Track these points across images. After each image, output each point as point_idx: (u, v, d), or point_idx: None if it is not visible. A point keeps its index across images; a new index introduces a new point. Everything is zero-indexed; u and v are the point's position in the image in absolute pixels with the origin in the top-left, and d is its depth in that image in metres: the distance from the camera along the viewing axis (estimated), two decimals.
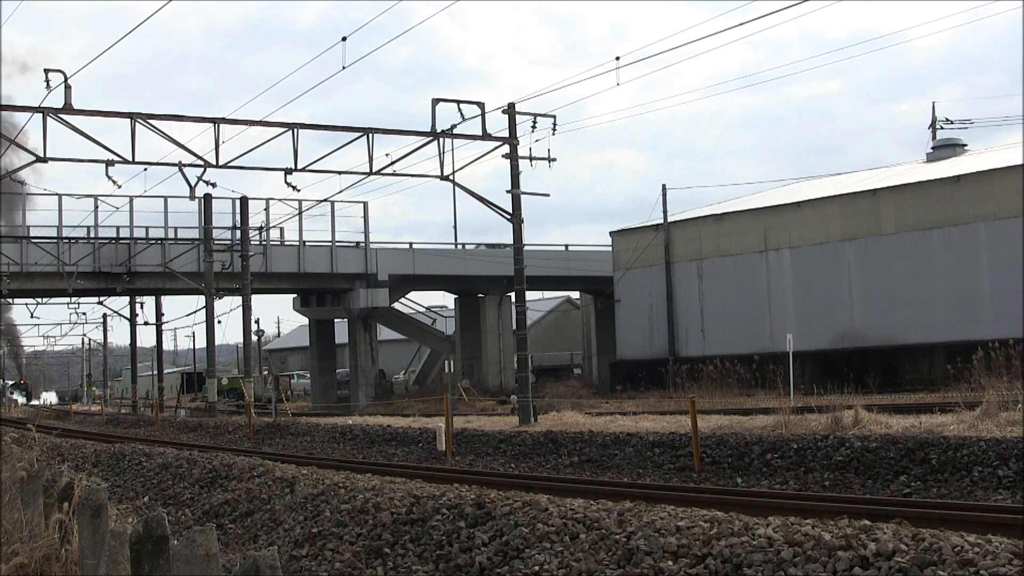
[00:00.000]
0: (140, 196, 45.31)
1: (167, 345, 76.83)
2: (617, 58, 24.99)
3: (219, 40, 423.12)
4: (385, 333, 61.90)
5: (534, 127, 27.54)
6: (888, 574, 6.57)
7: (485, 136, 27.47)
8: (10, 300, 59.56)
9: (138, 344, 64.62)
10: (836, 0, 38.44)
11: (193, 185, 27.46)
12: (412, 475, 16.08)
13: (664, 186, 45.19)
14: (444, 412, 22.22)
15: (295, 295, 55.21)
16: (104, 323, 73.74)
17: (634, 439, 19.12)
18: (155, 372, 63.83)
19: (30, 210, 50.55)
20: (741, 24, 57.33)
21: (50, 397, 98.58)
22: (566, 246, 56.75)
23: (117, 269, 45.75)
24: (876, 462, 15.14)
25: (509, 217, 27.66)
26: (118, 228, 46.30)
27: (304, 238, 49.55)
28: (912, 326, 36.10)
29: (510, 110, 27.50)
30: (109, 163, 25.52)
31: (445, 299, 67.13)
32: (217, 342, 46.32)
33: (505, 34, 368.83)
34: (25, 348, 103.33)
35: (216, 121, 25.91)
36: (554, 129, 27.70)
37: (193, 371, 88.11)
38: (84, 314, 75.96)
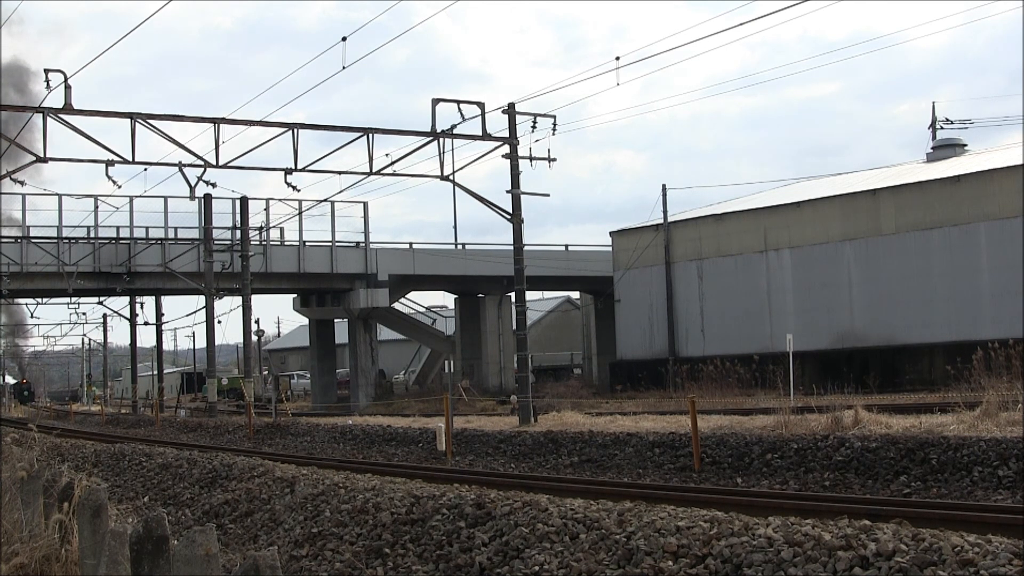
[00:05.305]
0: (140, 196, 45.36)
1: (167, 345, 76.94)
2: (617, 58, 25.00)
3: (219, 41, 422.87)
4: (385, 333, 61.88)
5: (534, 127, 27.58)
6: (888, 574, 6.57)
7: (485, 136, 27.48)
8: (12, 301, 59.54)
9: (138, 344, 64.66)
10: (836, 0, 38.43)
11: (193, 185, 27.45)
12: (412, 475, 16.07)
13: (664, 186, 45.12)
14: (444, 412, 22.21)
15: (295, 295, 55.20)
16: (104, 323, 73.88)
17: (634, 439, 19.12)
18: (155, 372, 63.86)
19: (30, 210, 50.64)
20: (740, 24, 57.41)
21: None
22: (566, 246, 56.74)
23: (117, 269, 45.75)
24: (876, 462, 15.14)
25: (509, 217, 27.67)
26: (118, 228, 46.36)
27: (304, 238, 49.60)
28: (912, 326, 36.10)
29: (510, 110, 27.51)
30: (109, 163, 25.51)
31: (445, 299, 67.18)
32: (217, 342, 46.32)
33: (505, 35, 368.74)
34: (25, 348, 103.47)
35: (216, 121, 25.91)
36: (554, 129, 27.76)
37: (193, 371, 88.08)
38: (84, 314, 76.07)
